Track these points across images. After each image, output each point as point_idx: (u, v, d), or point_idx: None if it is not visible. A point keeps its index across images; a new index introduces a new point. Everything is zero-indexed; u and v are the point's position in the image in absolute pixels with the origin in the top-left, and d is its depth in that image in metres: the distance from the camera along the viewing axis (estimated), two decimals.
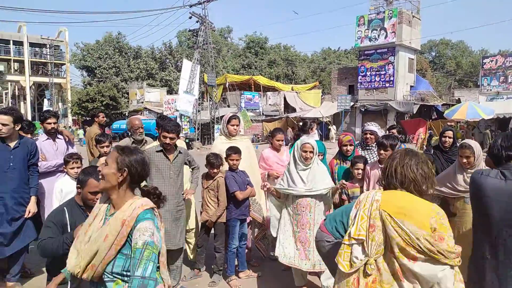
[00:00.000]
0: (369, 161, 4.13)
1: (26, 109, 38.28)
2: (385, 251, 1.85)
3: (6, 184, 3.63)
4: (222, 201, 4.07)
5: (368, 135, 4.47)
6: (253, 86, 32.30)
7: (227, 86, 30.48)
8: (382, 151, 3.75)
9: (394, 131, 5.38)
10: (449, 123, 20.12)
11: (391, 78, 27.72)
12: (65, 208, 2.66)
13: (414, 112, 26.27)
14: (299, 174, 3.67)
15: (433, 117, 26.91)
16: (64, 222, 2.59)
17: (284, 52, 51.59)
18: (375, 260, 1.85)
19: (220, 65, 41.32)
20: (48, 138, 4.51)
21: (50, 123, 4.47)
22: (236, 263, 4.28)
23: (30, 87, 39.63)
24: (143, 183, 1.96)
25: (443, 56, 56.20)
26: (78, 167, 3.71)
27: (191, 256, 4.52)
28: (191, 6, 25.02)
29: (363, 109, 28.32)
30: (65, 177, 3.79)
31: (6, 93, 42.25)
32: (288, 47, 54.06)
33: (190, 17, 25.31)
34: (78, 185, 2.69)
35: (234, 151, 4.08)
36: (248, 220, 4.40)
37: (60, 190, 3.63)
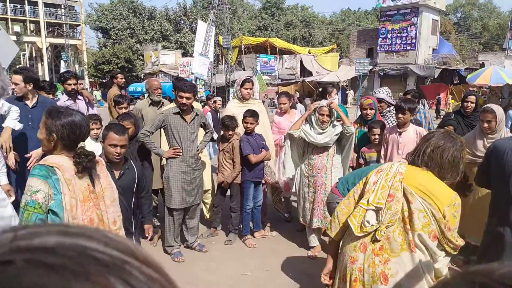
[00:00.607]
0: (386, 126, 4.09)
1: (43, 71, 38.63)
2: (398, 223, 1.89)
3: (25, 144, 3.66)
4: (237, 163, 4.12)
5: (378, 104, 4.40)
6: (269, 49, 31.63)
7: (242, 49, 29.94)
8: (400, 115, 3.68)
9: (409, 96, 5.25)
10: (471, 88, 19.48)
11: (413, 41, 26.67)
12: None
13: (436, 77, 25.45)
14: (316, 137, 3.70)
15: (454, 82, 26.05)
16: None
17: (302, 13, 49.89)
18: (386, 229, 1.90)
19: (235, 26, 40.38)
20: (69, 99, 4.57)
21: (70, 84, 4.50)
22: (251, 223, 4.40)
23: (47, 49, 39.76)
24: (81, 144, 1.91)
25: (469, 17, 53.43)
26: (97, 128, 3.82)
27: (207, 216, 4.65)
28: None
29: (382, 73, 27.57)
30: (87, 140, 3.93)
31: (24, 55, 42.58)
32: (306, 8, 52.21)
33: None
34: (101, 140, 2.82)
35: (250, 114, 4.07)
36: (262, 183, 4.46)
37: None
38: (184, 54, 38.68)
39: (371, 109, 4.12)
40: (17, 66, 4.36)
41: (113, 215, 2.03)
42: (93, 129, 3.87)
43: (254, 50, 31.10)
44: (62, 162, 1.81)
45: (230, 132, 4.10)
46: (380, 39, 28.28)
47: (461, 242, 1.84)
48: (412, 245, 1.83)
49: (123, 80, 5.95)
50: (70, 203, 1.80)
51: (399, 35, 27.36)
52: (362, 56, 28.72)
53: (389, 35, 27.82)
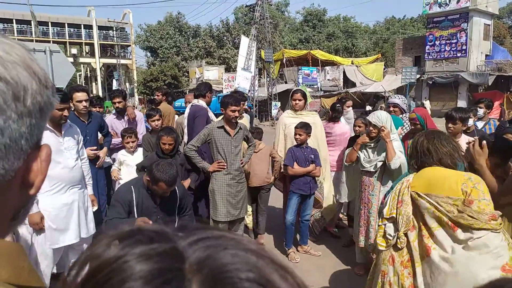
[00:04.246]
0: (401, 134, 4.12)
1: (97, 89, 41.17)
2: (415, 231, 1.93)
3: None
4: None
5: (392, 108, 4.46)
6: (310, 61, 31.57)
7: (284, 62, 30.13)
8: (450, 124, 3.51)
9: (482, 105, 4.97)
10: None
11: (464, 47, 25.41)
12: (132, 187, 2.63)
13: (490, 84, 24.00)
14: (367, 152, 3.59)
15: (511, 89, 24.39)
16: (131, 201, 2.59)
17: (344, 24, 49.40)
18: (406, 236, 1.93)
19: (277, 40, 40.76)
20: (116, 117, 4.85)
21: (115, 102, 4.79)
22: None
23: (100, 69, 42.42)
24: None
25: None
26: (132, 141, 4.09)
27: (249, 223, 4.71)
28: None
29: (430, 82, 26.46)
30: (122, 150, 4.22)
31: (79, 75, 45.72)
32: (348, 18, 51.65)
33: None
34: (149, 180, 2.59)
35: (300, 125, 4.03)
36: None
37: (118, 158, 4.14)
38: (227, 69, 39.60)
39: (415, 124, 3.97)
40: (71, 86, 4.72)
41: None
42: (128, 142, 4.07)
43: (296, 62, 31.18)
44: None
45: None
46: (427, 47, 27.24)
47: (497, 212, 1.78)
48: (428, 250, 1.83)
49: (159, 97, 6.11)
50: None
51: (448, 41, 26.21)
52: (409, 65, 27.80)
53: (437, 42, 26.74)
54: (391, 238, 1.97)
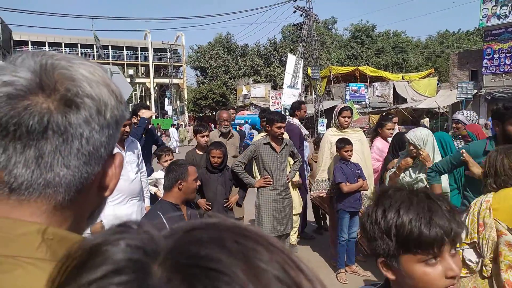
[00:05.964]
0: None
1: (151, 107, 43.36)
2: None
3: None
4: None
5: (454, 125, 4.35)
6: (358, 77, 31.06)
7: (331, 79, 29.92)
8: None
9: None
10: None
11: None
12: (158, 212, 2.49)
13: None
14: (409, 172, 3.46)
15: None
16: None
17: (394, 39, 48.22)
18: (490, 262, 1.74)
19: (324, 57, 40.70)
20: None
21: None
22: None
23: (154, 88, 44.75)
24: None
25: None
26: (171, 159, 4.07)
27: (293, 240, 4.65)
28: (295, 0, 25.18)
29: (489, 97, 24.92)
30: (159, 171, 4.24)
31: (135, 94, 48.55)
32: (398, 33, 50.40)
33: (294, 11, 25.50)
34: (180, 180, 2.48)
35: (346, 142, 4.00)
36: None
37: (155, 178, 4.23)
38: (274, 87, 40.03)
39: (468, 141, 3.83)
40: (136, 103, 4.90)
41: None
42: (166, 160, 4.10)
43: (343, 79, 30.84)
44: None
45: None
46: (485, 61, 25.78)
47: None
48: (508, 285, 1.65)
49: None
50: None
51: (508, 55, 24.64)
52: (465, 80, 26.44)
53: (496, 56, 25.23)
54: (473, 263, 1.80)
